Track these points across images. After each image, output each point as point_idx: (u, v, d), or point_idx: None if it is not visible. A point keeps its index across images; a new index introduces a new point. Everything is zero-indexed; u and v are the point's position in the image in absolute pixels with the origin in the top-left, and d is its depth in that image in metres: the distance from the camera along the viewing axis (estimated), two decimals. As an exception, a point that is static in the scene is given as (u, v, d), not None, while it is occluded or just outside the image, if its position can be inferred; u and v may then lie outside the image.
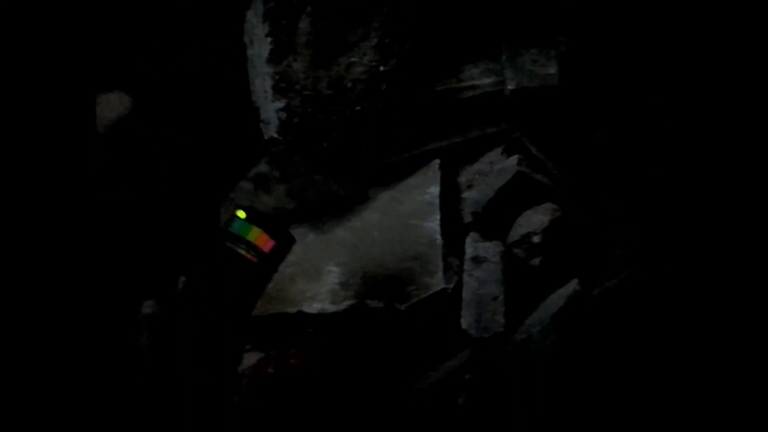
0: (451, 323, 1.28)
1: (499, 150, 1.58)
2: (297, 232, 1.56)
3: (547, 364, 1.15)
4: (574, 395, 1.13)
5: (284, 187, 1.59)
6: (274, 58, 1.42)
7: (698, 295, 1.32)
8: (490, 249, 1.32)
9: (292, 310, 1.36)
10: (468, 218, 1.48)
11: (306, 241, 1.52)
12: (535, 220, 1.36)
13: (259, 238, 1.28)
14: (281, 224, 1.31)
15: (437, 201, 1.46)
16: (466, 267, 1.31)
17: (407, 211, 1.47)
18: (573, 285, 1.31)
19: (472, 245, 1.34)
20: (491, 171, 1.54)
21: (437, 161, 1.57)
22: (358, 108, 1.48)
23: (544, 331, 1.17)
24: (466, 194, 1.51)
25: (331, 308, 1.33)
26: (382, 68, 1.50)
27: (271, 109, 1.44)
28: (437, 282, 1.29)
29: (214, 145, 1.73)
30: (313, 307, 1.34)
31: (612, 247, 1.45)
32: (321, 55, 1.46)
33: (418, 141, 1.62)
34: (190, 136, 1.72)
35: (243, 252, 1.25)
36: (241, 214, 1.27)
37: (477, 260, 1.31)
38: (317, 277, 1.41)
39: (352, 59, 1.48)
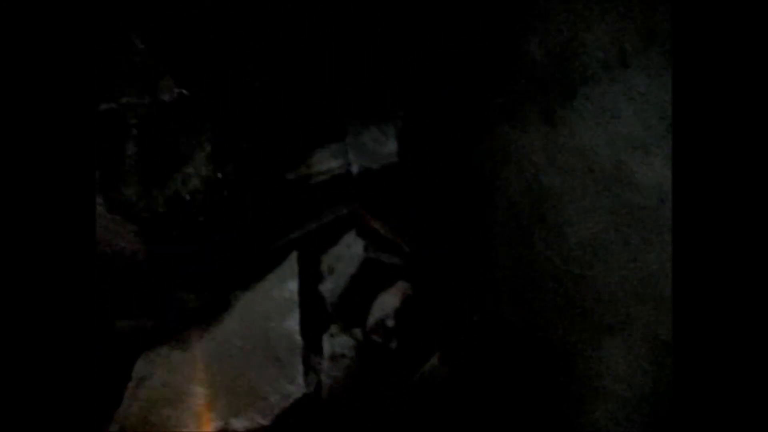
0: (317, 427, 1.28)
1: (354, 232, 1.62)
2: (160, 352, 1.51)
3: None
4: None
5: (141, 304, 1.54)
6: (103, 188, 1.39)
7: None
8: (346, 343, 1.34)
9: (157, 443, 1.31)
10: (330, 308, 1.50)
11: (170, 361, 1.48)
12: (387, 303, 1.40)
13: None
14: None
15: (296, 297, 1.47)
16: (324, 367, 1.32)
17: (266, 312, 1.46)
18: (433, 360, 1.34)
19: (329, 341, 1.36)
20: (347, 255, 1.57)
21: (295, 254, 1.58)
22: (201, 219, 1.47)
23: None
24: (323, 285, 1.52)
25: (195, 435, 1.29)
26: (219, 175, 1.50)
27: (108, 238, 1.40)
28: (297, 388, 1.29)
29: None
30: (178, 437, 1.30)
31: (470, 311, 1.51)
32: (154, 175, 1.45)
33: (275, 235, 1.63)
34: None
35: None
36: None
37: (334, 358, 1.32)
38: (182, 400, 1.37)
39: (188, 171, 1.48)
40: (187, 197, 1.47)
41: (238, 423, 1.28)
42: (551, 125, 1.48)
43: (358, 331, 1.40)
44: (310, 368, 1.33)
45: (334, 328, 1.40)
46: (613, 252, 1.36)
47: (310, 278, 1.56)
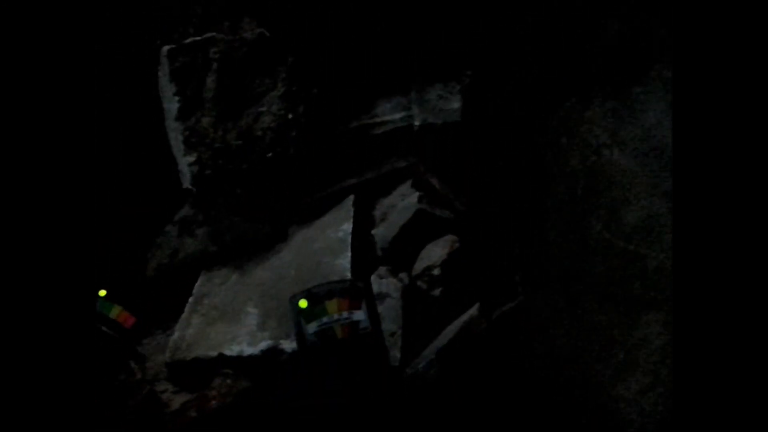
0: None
1: (409, 183, 1.68)
2: (220, 274, 1.64)
3: (433, 396, 1.25)
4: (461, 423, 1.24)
5: (207, 229, 1.66)
6: (182, 115, 1.50)
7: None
8: (392, 285, 1.42)
9: (213, 353, 1.44)
10: (380, 252, 1.58)
11: (228, 283, 1.60)
12: (434, 253, 1.46)
13: (120, 315, 1.39)
14: (145, 300, 1.43)
15: (349, 238, 1.55)
16: (370, 303, 1.41)
17: (321, 249, 1.56)
18: (473, 311, 1.41)
19: (376, 282, 1.44)
20: (401, 205, 1.63)
21: (351, 198, 1.67)
22: (270, 155, 1.56)
23: (428, 365, 1.28)
24: (375, 230, 1.60)
25: (248, 350, 1.41)
26: (290, 116, 1.58)
27: (183, 163, 1.51)
28: (344, 319, 1.38)
29: (143, 190, 1.79)
30: (233, 350, 1.43)
31: (513, 271, 1.56)
32: (229, 108, 1.54)
33: (335, 178, 1.71)
34: (119, 181, 1.77)
35: (106, 329, 1.36)
36: (102, 293, 1.38)
37: (380, 297, 1.40)
38: (238, 319, 1.49)
39: (261, 109, 1.57)
40: (259, 133, 1.56)
41: (287, 344, 1.39)
42: (619, 101, 1.47)
43: (404, 276, 1.48)
44: (356, 304, 1.42)
45: (382, 270, 1.48)
46: (664, 233, 1.37)
47: (363, 222, 1.64)
